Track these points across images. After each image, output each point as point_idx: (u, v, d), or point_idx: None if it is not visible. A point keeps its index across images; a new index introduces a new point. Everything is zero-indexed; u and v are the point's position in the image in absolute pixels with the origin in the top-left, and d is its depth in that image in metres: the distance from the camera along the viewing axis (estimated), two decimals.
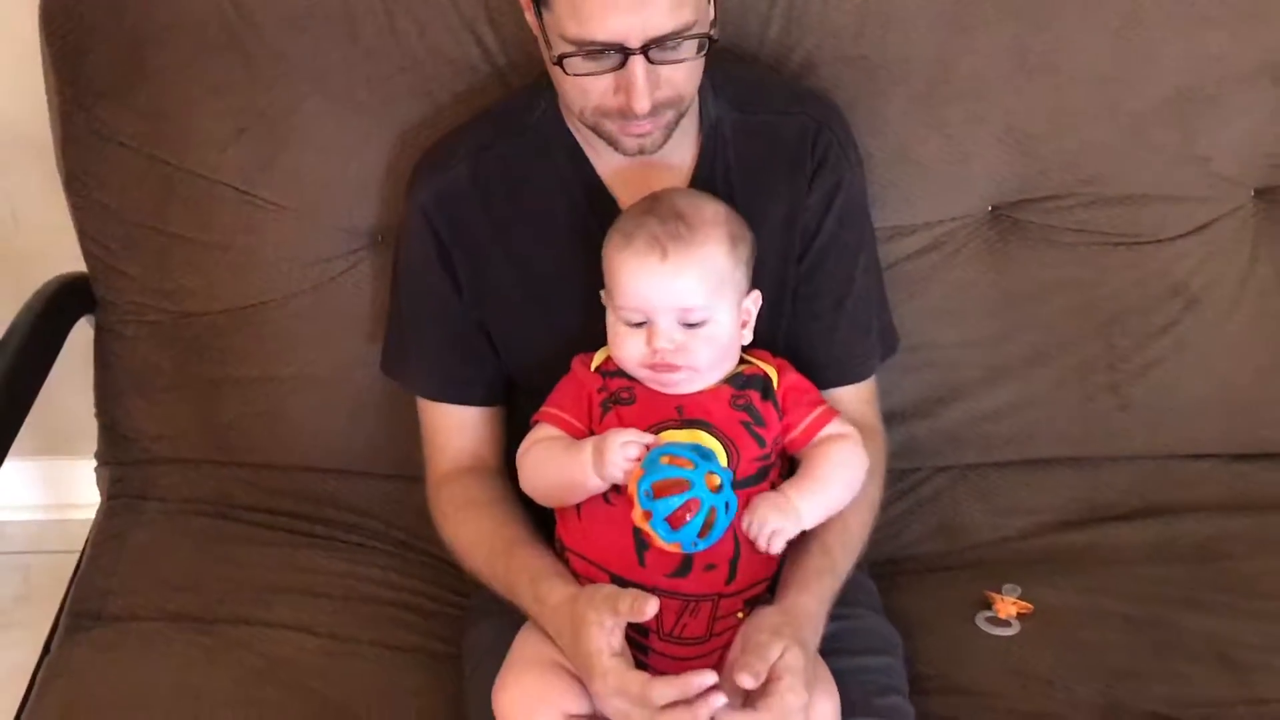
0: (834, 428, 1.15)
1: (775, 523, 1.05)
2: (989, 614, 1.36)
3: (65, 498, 1.87)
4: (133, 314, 1.41)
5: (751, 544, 1.09)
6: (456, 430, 1.25)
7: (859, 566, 1.28)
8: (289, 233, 1.37)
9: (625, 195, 1.19)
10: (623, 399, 1.13)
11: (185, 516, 1.42)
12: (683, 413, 1.11)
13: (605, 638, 1.02)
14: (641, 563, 1.10)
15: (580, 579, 1.14)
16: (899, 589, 1.40)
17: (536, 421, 1.16)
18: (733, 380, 1.14)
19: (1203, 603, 1.37)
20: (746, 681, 1.00)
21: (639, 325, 1.09)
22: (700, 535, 1.02)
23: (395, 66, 1.32)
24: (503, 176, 1.19)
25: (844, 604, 1.18)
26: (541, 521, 1.20)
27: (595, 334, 1.16)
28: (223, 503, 1.42)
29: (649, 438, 1.05)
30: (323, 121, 1.34)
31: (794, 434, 1.14)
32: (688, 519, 1.01)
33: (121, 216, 1.37)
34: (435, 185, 1.21)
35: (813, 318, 1.23)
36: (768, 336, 1.20)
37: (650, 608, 1.00)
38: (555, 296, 1.21)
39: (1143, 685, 1.27)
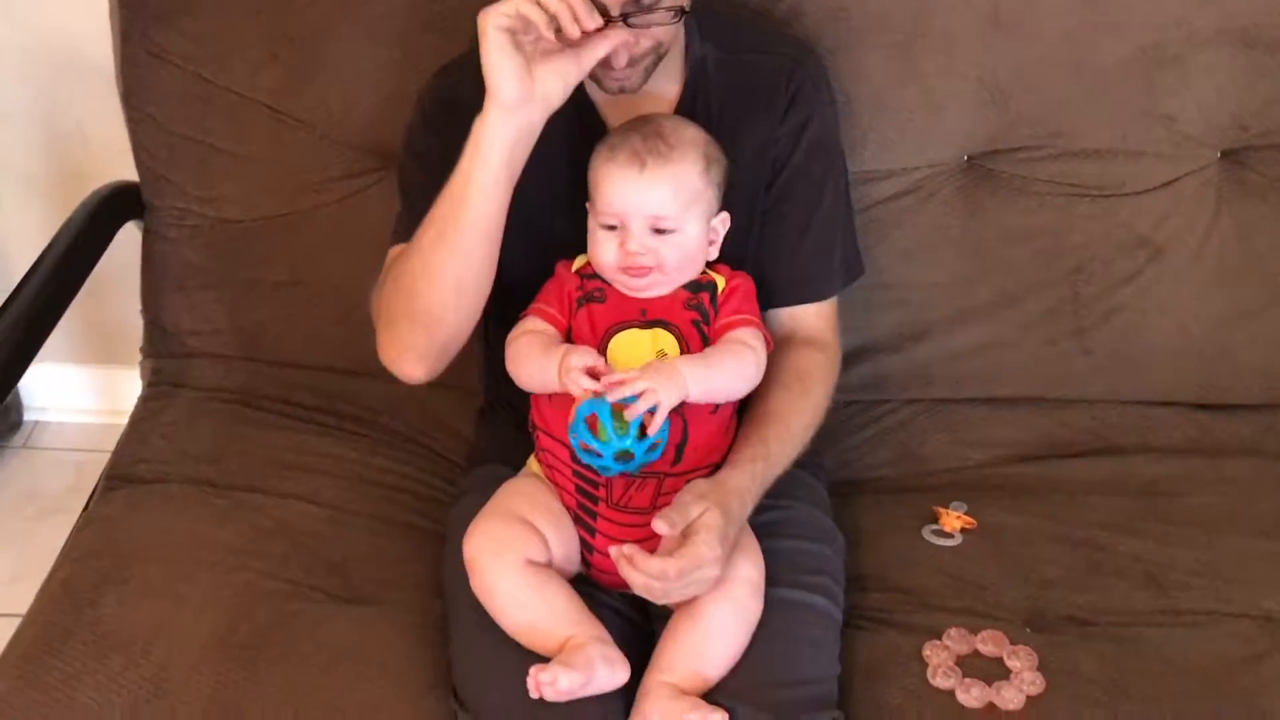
0: (742, 333, 1.22)
1: (648, 382, 1.11)
2: (934, 527, 1.45)
3: (118, 404, 2.00)
4: (175, 218, 1.54)
5: (700, 434, 1.19)
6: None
7: (818, 474, 1.38)
8: (316, 150, 1.49)
9: (614, 120, 1.28)
10: (595, 298, 1.23)
11: (213, 402, 1.54)
12: (646, 314, 1.23)
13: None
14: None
15: (545, 453, 1.26)
16: (856, 506, 1.48)
17: (525, 316, 1.28)
18: (689, 286, 1.25)
19: (1140, 530, 1.43)
20: (660, 527, 1.10)
21: (614, 229, 1.20)
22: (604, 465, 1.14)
23: (417, 4, 1.45)
24: None
25: (784, 495, 1.28)
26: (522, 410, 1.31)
27: (577, 244, 1.26)
28: (247, 393, 1.54)
29: (598, 362, 1.14)
30: (351, 49, 1.45)
31: (712, 328, 1.24)
32: (590, 454, 1.14)
33: (169, 129, 1.50)
34: (438, 90, 1.31)
35: (778, 239, 1.33)
36: (737, 256, 1.30)
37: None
38: (544, 207, 1.28)
39: (1067, 594, 1.35)
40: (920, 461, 1.55)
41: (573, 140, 1.29)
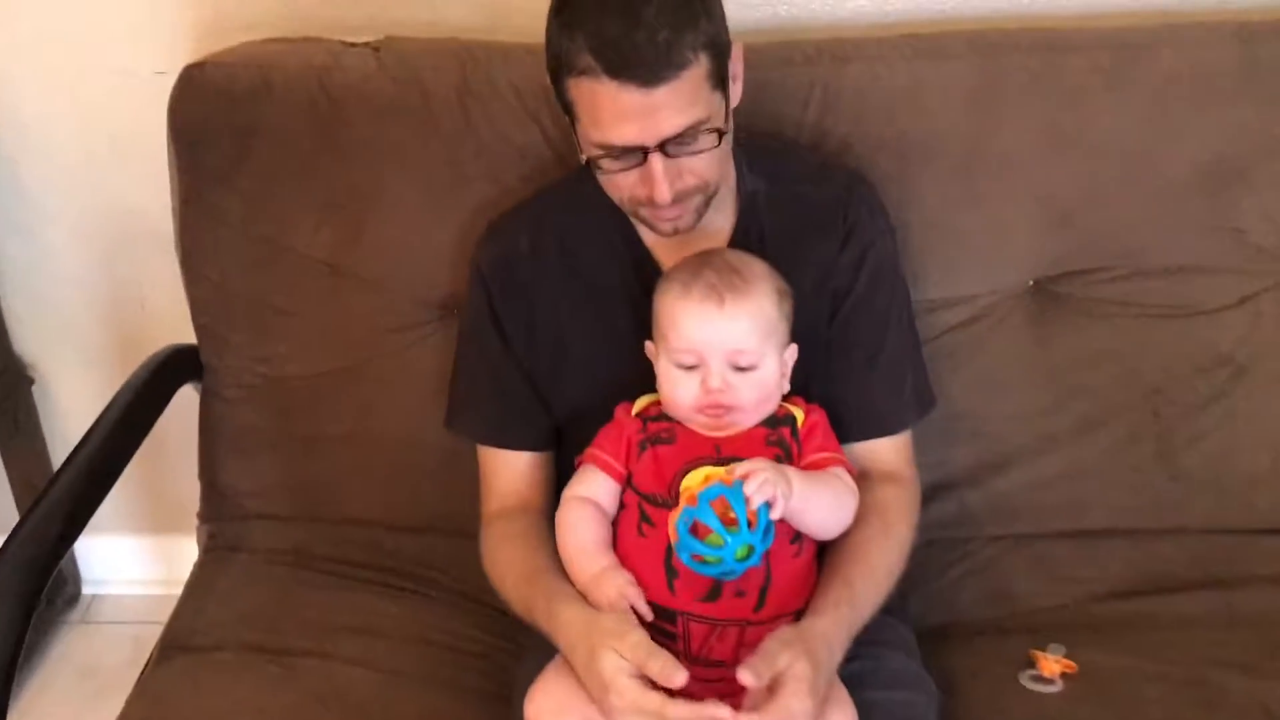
0: (838, 471, 1.20)
1: (770, 476, 1.08)
2: (1033, 672, 1.36)
3: (176, 573, 1.93)
4: (233, 378, 1.53)
5: (783, 577, 1.14)
6: (505, 473, 1.32)
7: (904, 619, 1.32)
8: (371, 304, 1.48)
9: (668, 260, 1.27)
10: (662, 439, 1.19)
11: (268, 565, 1.51)
12: (720, 451, 1.18)
13: (622, 660, 1.07)
14: (671, 589, 1.16)
15: None
16: (946, 650, 1.40)
17: (581, 463, 1.24)
18: (767, 421, 1.21)
19: (1254, 667, 1.34)
20: (746, 678, 1.03)
21: (691, 369, 1.16)
22: (718, 574, 1.09)
23: (468, 152, 1.43)
24: (558, 244, 1.30)
25: (871, 643, 1.21)
26: None
27: (636, 385, 1.24)
28: (303, 554, 1.51)
29: (643, 607, 1.12)
30: (402, 202, 1.45)
31: (798, 465, 1.20)
32: (705, 564, 1.08)
33: (226, 289, 1.50)
34: (494, 251, 1.32)
35: (847, 373, 1.29)
36: (801, 390, 1.27)
37: (679, 678, 1.03)
38: (600, 352, 1.28)
39: None
40: (1010, 601, 1.47)
41: (627, 281, 1.28)
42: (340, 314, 1.49)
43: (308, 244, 1.48)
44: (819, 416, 1.22)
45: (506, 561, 1.25)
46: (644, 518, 1.18)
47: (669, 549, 1.14)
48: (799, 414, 1.21)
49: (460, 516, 1.42)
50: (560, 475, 1.32)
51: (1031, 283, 1.46)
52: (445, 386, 1.39)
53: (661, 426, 1.20)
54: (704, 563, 1.08)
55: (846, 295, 1.27)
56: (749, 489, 1.06)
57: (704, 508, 1.07)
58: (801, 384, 1.26)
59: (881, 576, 1.19)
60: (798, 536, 1.18)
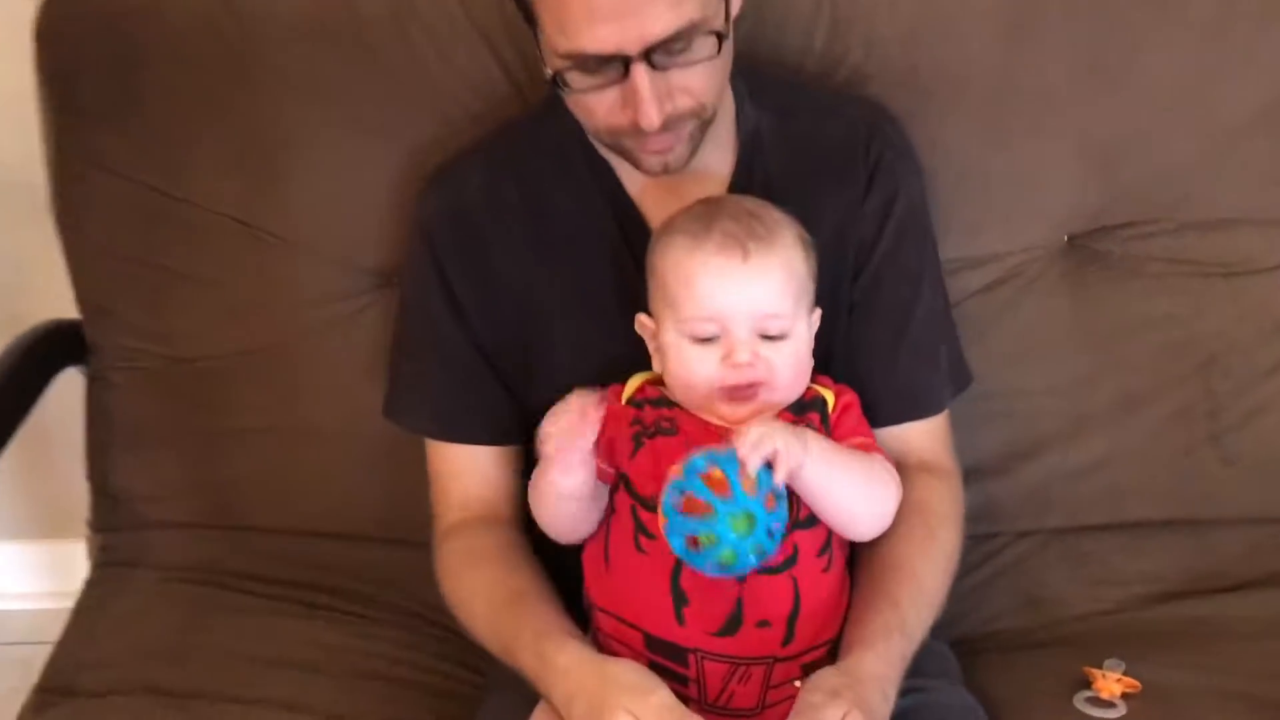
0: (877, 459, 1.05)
1: (769, 431, 0.91)
2: (1089, 694, 1.19)
3: (72, 584, 1.74)
4: (124, 360, 1.34)
5: (814, 598, 0.97)
6: (463, 474, 1.15)
7: (935, 633, 1.13)
8: (294, 269, 1.30)
9: (656, 212, 1.09)
10: (663, 429, 1.01)
11: (175, 584, 1.32)
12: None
13: None
14: (680, 620, 0.97)
15: (610, 640, 1.01)
16: (983, 668, 1.25)
17: None
18: (792, 406, 1.03)
19: None
20: None
21: (709, 342, 0.98)
22: (719, 564, 0.91)
23: (408, 84, 1.26)
24: (520, 194, 1.12)
25: (920, 674, 1.04)
26: (563, 580, 1.09)
27: (624, 362, 1.07)
28: (217, 570, 1.33)
29: (594, 399, 0.96)
30: (329, 145, 1.27)
31: None
32: (701, 548, 0.91)
33: (113, 252, 1.31)
34: (441, 202, 1.13)
35: (872, 345, 1.12)
36: (818, 365, 1.08)
37: None
38: (577, 323, 1.12)
39: None
40: (1046, 607, 1.34)
41: (608, 238, 1.10)
42: (256, 282, 1.31)
43: (211, 196, 1.29)
44: (851, 398, 1.05)
45: (474, 588, 1.08)
46: (641, 528, 0.99)
47: (676, 567, 0.96)
48: (829, 396, 1.04)
49: (406, 521, 1.28)
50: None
51: (1066, 238, 1.32)
52: (384, 368, 1.24)
53: (660, 414, 1.01)
54: (700, 549, 0.91)
55: (871, 250, 1.11)
56: (742, 448, 0.89)
57: (691, 478, 0.90)
58: (820, 358, 1.07)
59: (931, 593, 1.04)
60: (826, 545, 1.01)
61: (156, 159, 1.28)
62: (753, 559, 0.91)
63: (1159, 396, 1.34)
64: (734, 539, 0.90)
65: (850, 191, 1.11)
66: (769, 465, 0.91)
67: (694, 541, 0.91)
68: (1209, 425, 1.34)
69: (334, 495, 1.33)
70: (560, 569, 1.10)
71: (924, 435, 1.13)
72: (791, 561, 0.96)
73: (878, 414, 1.09)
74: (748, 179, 1.11)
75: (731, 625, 0.96)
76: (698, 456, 0.92)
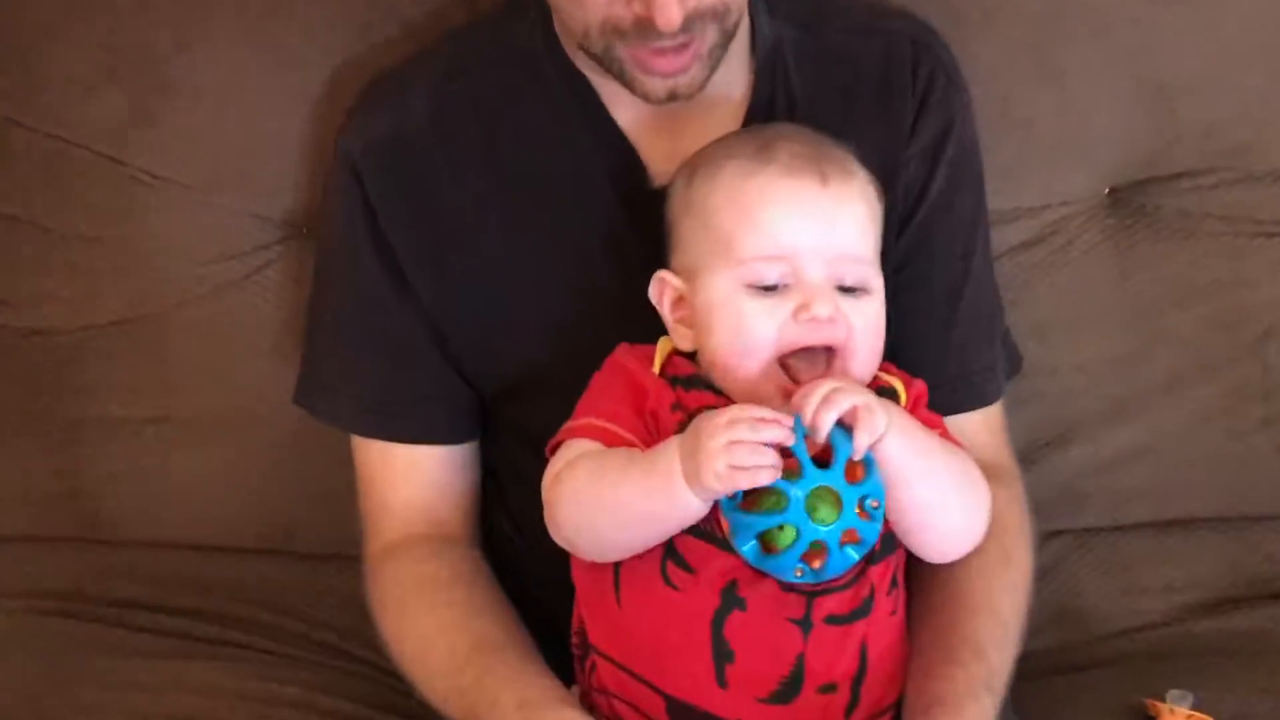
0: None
1: (844, 387, 0.77)
2: None
3: None
4: None
5: (882, 650, 0.82)
6: (403, 480, 0.99)
7: None
8: (179, 218, 1.14)
9: (655, 151, 0.94)
10: None
11: (27, 617, 1.16)
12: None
13: None
14: (721, 681, 0.80)
15: (613, 702, 0.83)
16: (1019, 695, 1.09)
17: (561, 442, 0.85)
18: None
19: None
20: None
21: (770, 291, 0.82)
22: (807, 566, 0.76)
23: None
24: (476, 117, 0.95)
25: None
26: (535, 616, 0.94)
27: (611, 340, 0.90)
28: (81, 597, 1.18)
29: (785, 421, 0.77)
30: (225, 61, 1.13)
31: None
32: (778, 550, 0.76)
33: None
34: (377, 128, 0.96)
35: (921, 312, 0.97)
36: None
37: None
38: (552, 289, 0.94)
39: None
40: (1082, 621, 1.24)
41: (596, 188, 0.95)
42: (130, 234, 1.15)
43: (71, 125, 1.13)
44: (921, 389, 0.90)
45: (427, 633, 0.91)
46: (673, 554, 0.81)
47: (721, 612, 0.79)
48: (899, 386, 0.88)
49: (321, 533, 1.18)
50: (496, 482, 1.01)
51: (1108, 191, 1.21)
52: (295, 342, 1.10)
53: (706, 398, 0.83)
54: (777, 551, 0.76)
55: (921, 197, 0.97)
56: (808, 405, 0.76)
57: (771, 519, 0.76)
58: None
59: (1014, 633, 0.90)
60: (894, 581, 0.85)
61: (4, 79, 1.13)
62: (851, 553, 0.77)
63: (1209, 376, 1.24)
64: (816, 527, 0.74)
65: (895, 124, 0.96)
66: (844, 429, 0.76)
67: (767, 544, 0.76)
68: (1265, 408, 1.25)
69: (229, 501, 1.18)
70: (525, 594, 0.94)
71: (982, 429, 0.98)
72: (867, 607, 0.80)
73: (931, 400, 0.93)
74: (768, 108, 0.95)
75: (788, 690, 0.79)
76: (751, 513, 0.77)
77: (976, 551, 0.88)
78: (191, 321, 1.14)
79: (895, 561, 0.84)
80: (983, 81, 1.13)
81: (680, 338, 0.85)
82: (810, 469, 0.74)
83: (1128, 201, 1.21)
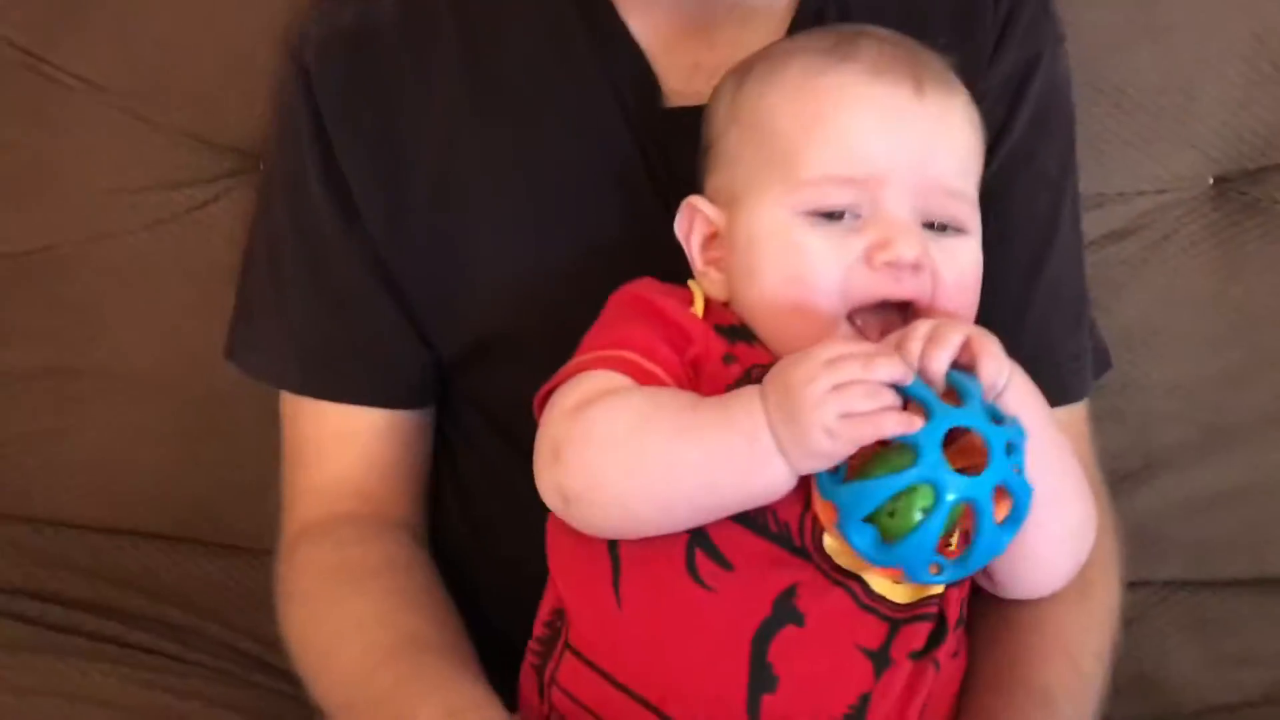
0: None
1: (960, 325, 0.64)
2: None
3: None
4: None
5: (941, 697, 0.68)
6: (335, 449, 0.86)
7: None
8: (106, 135, 1.03)
9: (671, 63, 0.80)
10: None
11: None
12: None
13: None
14: (754, 713, 0.64)
15: (578, 710, 0.69)
16: None
17: (566, 379, 0.69)
18: None
19: None
20: None
21: (836, 220, 0.68)
22: (943, 554, 0.60)
23: None
24: (454, 15, 0.83)
25: None
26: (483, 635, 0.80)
27: (610, 293, 0.74)
28: None
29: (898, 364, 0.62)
30: None
31: None
32: (899, 534, 0.59)
33: None
34: (331, 18, 0.83)
35: (993, 280, 0.81)
36: None
37: None
38: (536, 225, 0.81)
39: None
40: (1164, 693, 1.12)
41: (601, 108, 0.81)
42: (46, 149, 1.04)
43: None
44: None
45: (339, 625, 0.78)
46: (707, 546, 0.66)
47: (769, 623, 0.63)
48: None
49: (254, 521, 1.01)
50: (452, 458, 0.88)
51: (1214, 179, 1.10)
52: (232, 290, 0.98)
53: (765, 355, 0.69)
54: (898, 537, 0.60)
55: (999, 139, 0.82)
56: (913, 342, 0.63)
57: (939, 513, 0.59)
58: None
59: (1093, 680, 0.76)
60: (962, 615, 0.70)
61: None
62: (1005, 532, 0.61)
63: None
64: (958, 484, 0.58)
65: (971, 49, 0.81)
66: (961, 371, 0.62)
67: (888, 527, 0.60)
68: None
69: (143, 475, 1.05)
70: (473, 606, 0.80)
71: (1066, 427, 0.80)
72: (939, 638, 0.65)
73: None
74: (816, 23, 0.81)
75: None
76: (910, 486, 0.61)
77: None
78: (113, 259, 1.01)
79: (968, 582, 0.68)
80: (1072, 40, 0.99)
81: (711, 284, 0.70)
82: (940, 407, 0.59)
83: (1237, 193, 1.09)
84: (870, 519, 0.59)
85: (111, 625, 1.01)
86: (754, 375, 0.66)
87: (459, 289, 0.80)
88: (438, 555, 0.84)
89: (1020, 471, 0.61)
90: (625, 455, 0.64)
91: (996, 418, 0.61)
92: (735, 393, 0.64)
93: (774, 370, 0.62)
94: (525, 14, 0.80)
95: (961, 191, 0.70)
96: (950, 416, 0.59)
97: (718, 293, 0.70)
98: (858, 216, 0.67)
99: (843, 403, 0.59)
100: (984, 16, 0.81)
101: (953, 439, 0.59)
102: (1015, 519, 0.60)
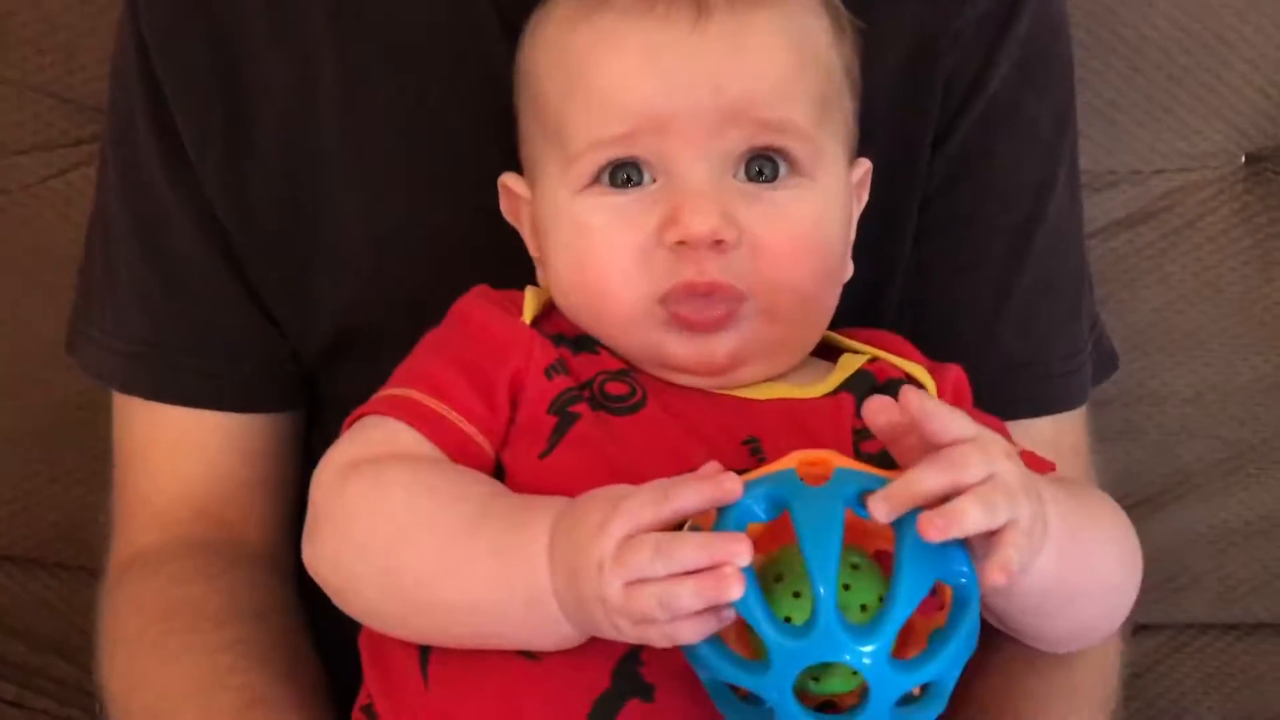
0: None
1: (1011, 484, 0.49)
2: None
3: None
4: None
5: None
6: (172, 458, 0.74)
7: None
8: None
9: None
10: (611, 402, 0.59)
11: None
12: (760, 449, 0.58)
13: None
14: None
15: None
16: None
17: (363, 415, 0.60)
18: (853, 383, 0.63)
19: None
20: None
21: (631, 188, 0.58)
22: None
23: None
24: None
25: None
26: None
27: (496, 273, 0.65)
28: None
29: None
30: None
31: None
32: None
33: None
34: None
35: (967, 265, 0.73)
36: (865, 301, 0.69)
37: None
38: (409, 190, 0.70)
39: None
40: None
41: (488, 51, 0.69)
42: None
43: None
44: (959, 379, 0.66)
45: (164, 690, 0.66)
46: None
47: (604, 702, 0.53)
48: (923, 375, 0.65)
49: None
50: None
51: (1245, 157, 1.01)
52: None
53: (605, 365, 0.60)
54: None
55: (974, 90, 0.72)
56: (971, 512, 0.47)
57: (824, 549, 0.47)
58: (868, 286, 0.68)
59: None
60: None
61: None
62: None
63: None
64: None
65: None
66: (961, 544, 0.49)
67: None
68: None
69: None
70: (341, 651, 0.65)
71: (1052, 445, 0.70)
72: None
73: (980, 393, 0.70)
74: None
75: None
76: (773, 486, 0.49)
77: (1015, 647, 0.61)
78: None
79: None
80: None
81: (543, 274, 0.61)
82: (781, 647, 0.45)
83: (1274, 173, 1.00)
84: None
85: None
86: (595, 386, 0.56)
87: (314, 268, 0.68)
88: (308, 585, 0.70)
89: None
90: (380, 573, 0.55)
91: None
92: (523, 526, 0.52)
93: (564, 522, 0.50)
94: None
95: (783, 121, 0.57)
96: (801, 655, 0.45)
97: (547, 282, 0.61)
98: (654, 181, 0.57)
99: (638, 605, 0.47)
100: None
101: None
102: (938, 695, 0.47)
